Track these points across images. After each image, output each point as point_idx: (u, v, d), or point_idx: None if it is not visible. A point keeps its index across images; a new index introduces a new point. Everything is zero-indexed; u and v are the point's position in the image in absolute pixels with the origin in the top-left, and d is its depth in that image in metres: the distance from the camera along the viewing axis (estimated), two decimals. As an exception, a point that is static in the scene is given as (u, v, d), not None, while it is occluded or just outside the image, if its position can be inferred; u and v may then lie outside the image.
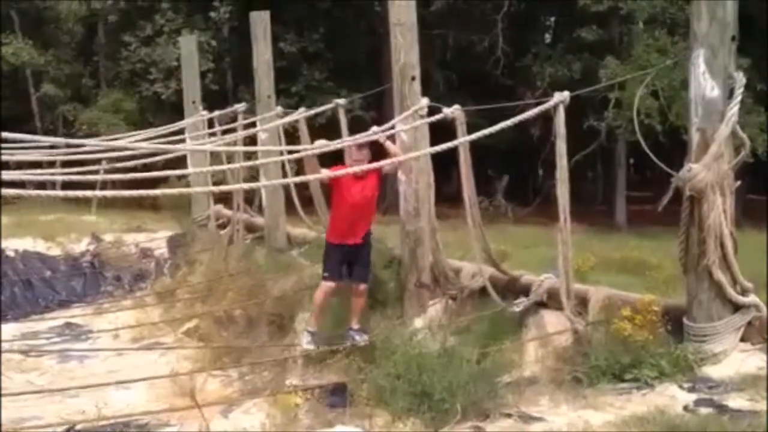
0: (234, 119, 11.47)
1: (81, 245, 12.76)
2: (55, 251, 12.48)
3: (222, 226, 12.22)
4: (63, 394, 6.72)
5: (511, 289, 6.93)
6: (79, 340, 9.17)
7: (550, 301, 6.50)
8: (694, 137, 5.37)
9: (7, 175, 4.88)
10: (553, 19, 25.05)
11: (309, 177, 6.72)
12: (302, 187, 10.30)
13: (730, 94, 5.32)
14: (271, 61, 10.89)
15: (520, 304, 6.55)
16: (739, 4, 5.44)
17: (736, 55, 5.46)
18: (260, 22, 10.81)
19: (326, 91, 19.69)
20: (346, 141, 7.10)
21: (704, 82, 5.33)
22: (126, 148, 7.84)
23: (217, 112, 12.19)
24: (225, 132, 10.98)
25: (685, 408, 4.72)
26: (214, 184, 12.54)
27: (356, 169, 6.34)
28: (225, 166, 9.62)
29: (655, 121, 15.70)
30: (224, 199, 12.53)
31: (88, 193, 4.58)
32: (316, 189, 9.48)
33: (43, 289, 11.43)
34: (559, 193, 6.15)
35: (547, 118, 6.69)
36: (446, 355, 5.69)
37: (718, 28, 5.32)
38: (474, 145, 6.92)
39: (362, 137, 6.79)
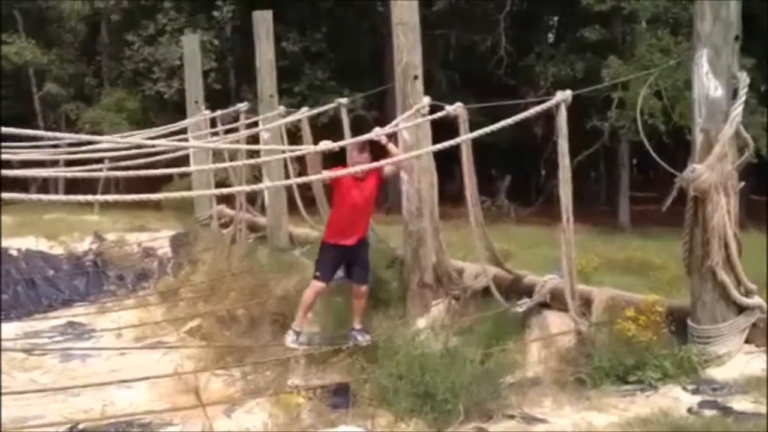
0: (236, 119, 11.47)
1: (84, 244, 12.78)
2: (58, 250, 12.49)
3: (225, 226, 12.23)
4: (66, 393, 6.72)
5: (515, 289, 6.91)
6: (82, 339, 9.17)
7: (554, 301, 6.48)
8: (698, 137, 5.35)
9: (11, 173, 4.86)
10: (555, 18, 25.03)
11: (310, 178, 6.71)
12: (305, 187, 10.29)
13: (734, 94, 5.31)
14: (274, 60, 10.89)
15: (524, 304, 6.53)
16: (743, 4, 5.42)
17: (739, 55, 5.44)
18: (263, 21, 10.81)
19: (329, 91, 19.68)
20: (350, 141, 7.09)
21: (708, 82, 5.31)
22: (131, 145, 7.85)
23: (219, 112, 12.19)
24: (227, 131, 10.98)
25: (689, 410, 4.71)
26: (217, 182, 12.58)
27: (356, 169, 6.35)
28: (228, 164, 9.63)
29: (659, 121, 15.67)
30: (227, 198, 12.53)
31: (90, 197, 4.55)
32: (318, 189, 9.48)
33: (46, 288, 11.43)
34: (562, 192, 6.13)
35: (550, 117, 6.68)
36: (449, 355, 5.68)
37: (721, 27, 5.30)
38: (476, 145, 6.91)
39: (365, 137, 6.78)
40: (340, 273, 7.01)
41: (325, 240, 6.91)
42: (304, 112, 9.90)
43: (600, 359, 5.42)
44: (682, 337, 5.47)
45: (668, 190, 5.56)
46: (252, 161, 8.51)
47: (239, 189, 8.50)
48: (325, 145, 6.54)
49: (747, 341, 5.37)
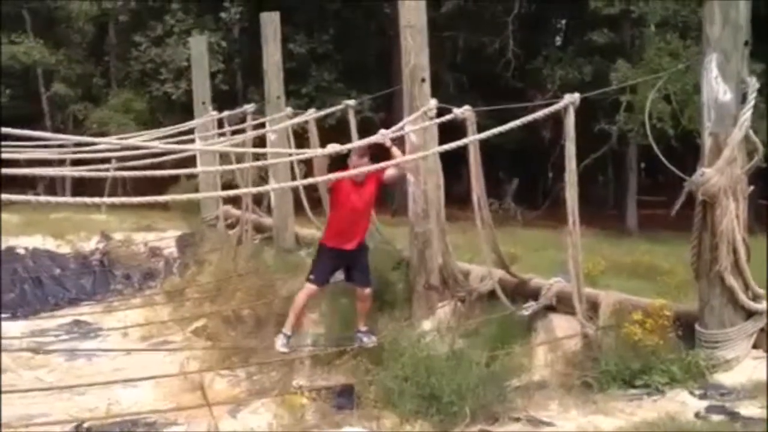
0: (243, 120, 11.48)
1: (91, 243, 12.81)
2: (65, 249, 12.53)
3: (231, 226, 12.24)
4: (71, 391, 6.73)
5: (521, 292, 6.90)
6: (88, 338, 9.19)
7: (560, 305, 6.47)
8: (707, 142, 5.34)
9: (14, 172, 4.85)
10: (563, 21, 24.98)
11: (316, 179, 6.71)
12: (311, 189, 10.29)
13: (743, 98, 5.29)
14: (281, 62, 10.91)
15: (530, 307, 6.52)
16: (752, 9, 5.40)
17: (749, 60, 5.42)
18: (270, 23, 10.82)
19: (336, 93, 19.69)
20: (357, 144, 7.08)
21: (717, 87, 5.29)
22: (136, 147, 7.86)
23: (226, 113, 12.22)
24: (234, 132, 11.00)
25: (697, 415, 4.69)
26: (224, 184, 12.60)
27: (355, 172, 6.36)
28: (234, 166, 9.64)
29: (668, 125, 15.61)
30: (233, 199, 12.54)
31: (96, 200, 4.52)
32: (325, 190, 9.47)
33: (52, 287, 11.48)
34: (568, 195, 6.12)
35: (557, 120, 6.67)
36: (455, 357, 5.67)
37: (730, 32, 5.29)
38: (484, 147, 6.90)
39: (372, 140, 6.78)
40: (339, 276, 7.04)
41: (323, 243, 6.92)
42: (311, 114, 9.91)
43: (607, 363, 5.39)
44: (689, 342, 5.45)
45: (676, 194, 5.54)
46: (259, 163, 8.51)
47: (245, 191, 8.48)
48: (333, 147, 6.56)
49: (755, 346, 5.34)
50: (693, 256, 5.46)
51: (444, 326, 6.96)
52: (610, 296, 6.16)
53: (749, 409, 4.67)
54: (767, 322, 5.32)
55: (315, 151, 7.51)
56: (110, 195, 14.42)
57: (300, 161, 10.23)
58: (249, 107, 11.60)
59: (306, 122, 9.87)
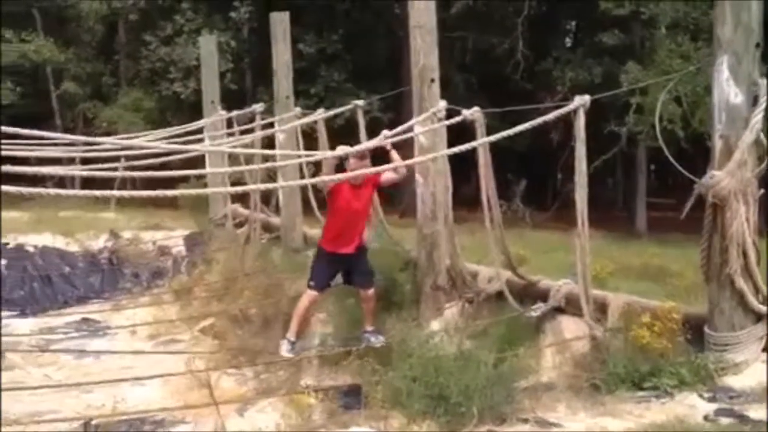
0: (252, 119, 11.50)
1: (99, 242, 12.87)
2: (74, 247, 12.59)
3: (239, 226, 12.27)
4: (79, 388, 6.75)
5: (529, 294, 6.88)
6: (97, 336, 9.22)
7: (568, 306, 6.45)
8: (718, 144, 5.32)
9: (22, 170, 4.86)
10: (573, 22, 24.91)
11: (323, 178, 6.72)
12: (319, 188, 10.32)
13: (755, 101, 5.27)
14: (290, 61, 10.92)
15: (538, 309, 6.51)
16: (764, 10, 5.37)
17: (760, 63, 5.40)
18: (280, 23, 10.84)
19: (345, 93, 19.68)
20: (365, 146, 7.09)
21: (728, 89, 5.27)
22: (142, 147, 7.88)
23: (235, 112, 12.24)
24: (243, 132, 11.02)
25: (705, 417, 4.67)
26: (232, 183, 12.62)
27: (353, 174, 6.40)
28: (243, 167, 9.66)
29: (678, 127, 15.53)
30: (241, 198, 12.57)
31: (107, 192, 4.56)
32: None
33: (61, 285, 11.52)
34: (578, 197, 6.10)
35: (567, 122, 6.65)
36: (463, 358, 5.66)
37: (742, 34, 5.26)
38: (493, 149, 6.89)
39: (372, 143, 6.82)
40: (339, 279, 7.07)
41: (321, 247, 6.94)
42: (320, 114, 9.92)
43: (615, 365, 5.38)
44: (698, 345, 5.42)
45: (686, 196, 5.52)
46: (267, 165, 8.53)
47: (253, 187, 8.52)
48: (342, 149, 6.59)
49: (764, 349, 5.31)
50: (703, 259, 5.43)
51: (452, 327, 6.95)
52: (618, 298, 6.14)
53: (758, 412, 4.64)
54: (768, 327, 5.30)
55: (324, 153, 7.54)
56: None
57: (309, 163, 10.25)
58: (258, 107, 11.62)
59: (315, 122, 9.88)
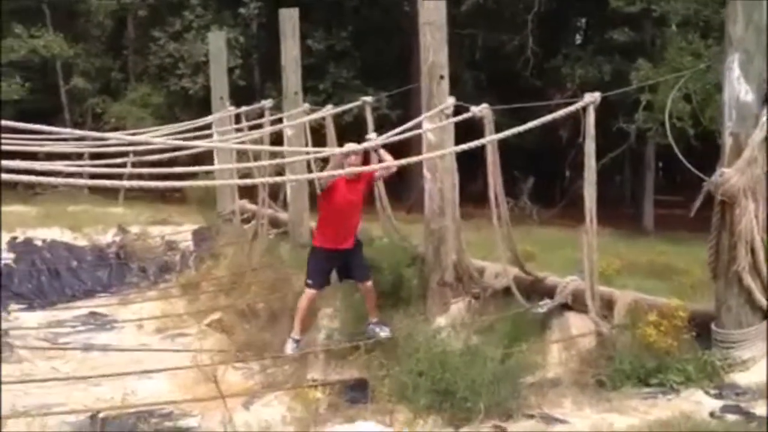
0: (261, 115, 11.52)
1: (108, 236, 12.91)
2: (82, 242, 12.63)
3: (246, 221, 12.29)
4: (87, 381, 6.79)
5: (536, 290, 6.89)
6: (104, 330, 9.26)
7: (575, 303, 6.45)
8: (727, 141, 5.30)
9: (40, 166, 4.90)
10: (583, 20, 24.83)
11: (331, 173, 6.74)
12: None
13: (765, 99, 5.25)
14: (299, 58, 10.93)
15: (545, 305, 6.51)
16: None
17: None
18: (289, 19, 10.85)
19: (353, 89, 19.69)
20: (367, 145, 7.12)
21: (738, 87, 5.26)
22: (150, 143, 7.91)
23: (244, 108, 12.26)
24: (252, 128, 11.04)
25: (712, 414, 4.66)
26: (240, 177, 12.64)
27: (346, 171, 6.52)
28: (251, 164, 9.67)
29: (687, 124, 15.48)
30: (249, 194, 12.59)
31: (116, 183, 4.60)
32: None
33: (69, 279, 11.55)
34: (586, 194, 6.11)
35: (575, 119, 6.64)
36: (469, 353, 5.66)
37: (754, 32, 5.24)
38: (501, 146, 6.89)
39: (362, 147, 6.90)
40: (333, 277, 7.20)
41: (317, 245, 6.99)
42: (328, 110, 9.93)
43: (621, 361, 5.38)
44: (704, 342, 5.42)
45: (693, 194, 5.51)
46: (276, 161, 8.55)
47: (261, 180, 8.56)
48: (350, 147, 6.66)
49: (771, 346, 5.30)
50: (711, 256, 5.43)
51: (458, 322, 6.96)
52: (625, 295, 6.14)
53: (764, 409, 4.63)
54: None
55: (332, 150, 7.58)
56: (128, 190, 14.51)
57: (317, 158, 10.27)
58: (266, 103, 11.63)
59: (323, 118, 9.89)
